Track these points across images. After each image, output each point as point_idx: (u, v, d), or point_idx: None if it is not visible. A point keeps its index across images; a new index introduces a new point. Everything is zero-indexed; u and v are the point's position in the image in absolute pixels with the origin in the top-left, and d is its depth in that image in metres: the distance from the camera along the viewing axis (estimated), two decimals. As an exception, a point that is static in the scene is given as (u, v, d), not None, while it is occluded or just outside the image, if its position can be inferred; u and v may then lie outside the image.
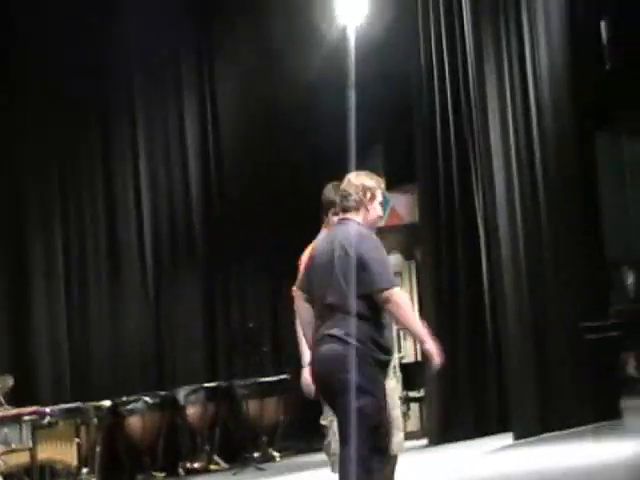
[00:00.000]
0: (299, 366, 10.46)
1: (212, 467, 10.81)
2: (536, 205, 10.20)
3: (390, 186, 11.54)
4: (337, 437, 5.34)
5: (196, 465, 10.81)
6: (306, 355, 5.50)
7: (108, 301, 11.21)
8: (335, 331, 5.04)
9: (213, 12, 11.89)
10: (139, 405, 10.42)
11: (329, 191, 5.84)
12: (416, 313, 5.16)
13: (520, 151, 10.22)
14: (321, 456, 10.67)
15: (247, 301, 12.05)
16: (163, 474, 10.66)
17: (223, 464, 10.86)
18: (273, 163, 11.99)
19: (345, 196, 5.26)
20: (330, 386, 5.15)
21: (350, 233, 5.16)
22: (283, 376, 11.18)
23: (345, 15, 11.67)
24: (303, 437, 11.49)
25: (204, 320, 11.69)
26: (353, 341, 5.00)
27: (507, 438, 9.56)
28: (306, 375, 5.60)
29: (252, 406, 10.89)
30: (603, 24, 10.86)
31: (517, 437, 9.62)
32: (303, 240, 11.84)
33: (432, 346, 5.03)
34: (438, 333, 10.13)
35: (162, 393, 10.72)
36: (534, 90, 10.27)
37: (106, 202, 11.38)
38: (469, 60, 10.50)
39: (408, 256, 11.67)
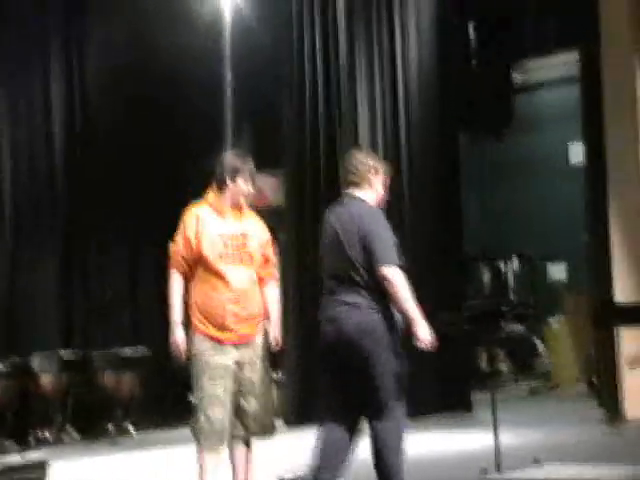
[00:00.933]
0: (161, 337, 10.31)
1: (64, 437, 10.63)
2: (400, 200, 10.32)
3: (258, 168, 11.94)
4: (208, 416, 5.55)
5: (47, 435, 10.59)
6: (176, 315, 5.69)
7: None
8: (348, 298, 5.22)
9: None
10: (-12, 371, 10.19)
11: (233, 158, 5.99)
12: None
13: (387, 147, 10.40)
14: (178, 432, 10.68)
15: (106, 269, 11.88)
16: (12, 441, 10.31)
17: (75, 435, 10.70)
18: (140, 137, 11.82)
19: (352, 171, 5.45)
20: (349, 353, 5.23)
21: (359, 208, 5.37)
22: (142, 348, 11.10)
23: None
24: (159, 412, 11.54)
25: (61, 286, 11.49)
26: (364, 307, 5.19)
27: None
28: (177, 337, 5.69)
29: (108, 378, 10.75)
30: (471, 26, 11.05)
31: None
32: (165, 212, 11.93)
33: (423, 330, 5.14)
34: (299, 317, 10.29)
35: (15, 359, 10.46)
36: (403, 87, 10.47)
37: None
38: (340, 47, 10.60)
39: (273, 238, 11.72)
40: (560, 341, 11.42)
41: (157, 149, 11.98)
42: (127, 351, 11.02)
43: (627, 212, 9.61)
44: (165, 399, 11.71)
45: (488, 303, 10.72)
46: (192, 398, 5.79)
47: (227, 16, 11.68)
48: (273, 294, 5.98)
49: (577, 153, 11.54)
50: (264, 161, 12.10)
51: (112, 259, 11.94)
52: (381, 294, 5.23)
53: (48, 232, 11.46)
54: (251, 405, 5.78)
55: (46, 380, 10.56)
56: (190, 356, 5.73)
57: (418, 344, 5.13)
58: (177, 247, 5.84)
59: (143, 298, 12.17)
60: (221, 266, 5.73)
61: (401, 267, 5.27)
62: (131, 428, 10.89)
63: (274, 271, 6.06)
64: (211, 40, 11.58)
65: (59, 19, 11.67)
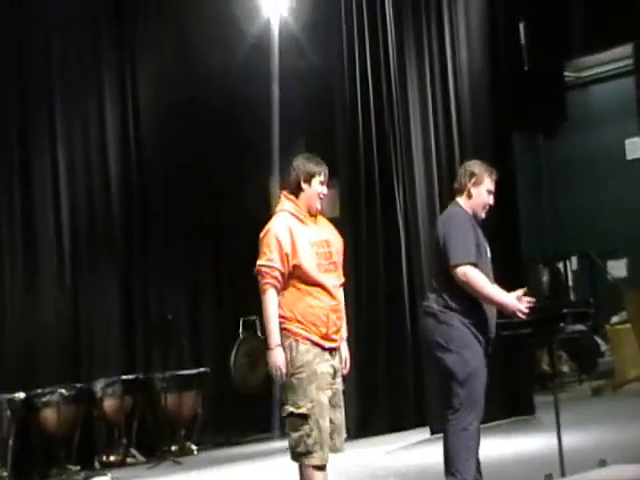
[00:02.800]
0: (220, 356, 10.10)
1: (129, 460, 10.68)
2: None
3: None
4: (320, 425, 5.42)
5: (112, 458, 10.66)
6: (276, 336, 5.51)
7: (24, 290, 10.94)
8: (427, 305, 5.74)
9: (135, 2, 11.81)
10: (54, 397, 10.22)
11: (306, 161, 5.79)
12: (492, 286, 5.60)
13: (440, 149, 10.32)
14: (239, 449, 11.08)
15: (166, 292, 11.95)
16: (78, 467, 10.43)
17: (140, 457, 10.75)
18: (196, 155, 11.98)
19: (457, 180, 5.84)
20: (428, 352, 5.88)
21: (445, 213, 5.86)
22: (202, 369, 11.20)
23: (268, 7, 11.82)
24: (221, 431, 11.64)
25: (122, 311, 11.55)
26: (437, 313, 5.64)
27: (424, 433, 9.62)
28: (279, 359, 5.51)
29: (170, 399, 10.80)
30: (522, 26, 11.03)
31: (434, 432, 9.58)
32: (223, 234, 11.97)
33: (512, 305, 5.62)
34: (356, 328, 10.27)
35: (78, 385, 10.53)
36: (454, 89, 10.36)
37: (22, 190, 11.08)
38: (391, 56, 10.59)
39: None
40: (623, 339, 11.27)
41: (212, 170, 12.13)
42: (188, 372, 11.15)
43: None
44: (226, 418, 11.80)
45: (548, 304, 10.56)
46: (295, 409, 5.52)
47: (277, 37, 11.87)
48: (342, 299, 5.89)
49: (634, 148, 11.44)
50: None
51: (171, 282, 12.01)
52: (461, 297, 5.56)
53: (107, 258, 11.53)
54: (339, 417, 5.67)
55: (109, 404, 10.65)
56: (293, 370, 5.52)
57: (516, 318, 5.65)
58: (273, 263, 5.57)
59: (202, 319, 12.32)
60: (319, 276, 5.57)
61: (474, 265, 5.54)
62: (194, 448, 11.00)
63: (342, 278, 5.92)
64: (262, 61, 11.74)
65: (112, 53, 11.75)
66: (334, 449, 5.57)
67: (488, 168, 5.81)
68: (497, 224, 10.36)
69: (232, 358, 12.06)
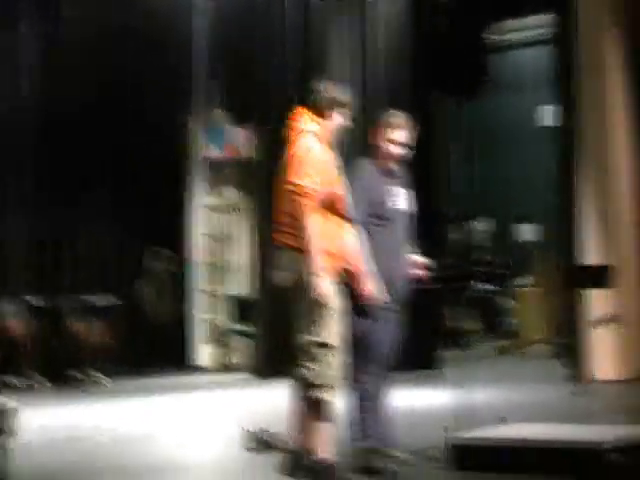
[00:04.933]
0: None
1: (34, 385, 10.69)
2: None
3: (229, 119, 12.26)
4: (340, 361, 5.21)
5: (16, 381, 10.64)
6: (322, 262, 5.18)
7: None
8: None
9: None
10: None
11: (331, 88, 5.47)
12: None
13: (358, 105, 10.30)
14: (147, 381, 11.26)
15: (77, 219, 12.06)
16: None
17: (45, 382, 10.79)
18: (108, 86, 11.88)
19: None
20: None
21: None
22: (110, 298, 11.39)
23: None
24: (128, 361, 11.79)
25: (31, 234, 11.64)
26: None
27: None
28: (327, 286, 5.18)
29: (79, 326, 10.94)
30: None
31: None
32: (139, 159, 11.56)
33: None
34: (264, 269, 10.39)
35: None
36: (373, 45, 10.63)
37: None
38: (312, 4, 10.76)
39: (244, 190, 12.25)
40: (529, 302, 11.59)
41: (131, 97, 12.12)
42: (96, 299, 11.22)
43: (597, 175, 9.87)
44: (133, 348, 11.99)
45: (458, 263, 10.86)
46: (325, 340, 5.21)
47: None
48: None
49: (548, 115, 11.64)
50: (236, 115, 12.45)
51: (84, 209, 12.04)
52: None
53: (19, 180, 11.55)
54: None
55: (14, 325, 10.68)
56: (317, 296, 5.14)
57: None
58: (316, 187, 5.19)
59: (112, 247, 12.47)
60: (345, 209, 5.32)
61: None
62: (103, 377, 11.05)
63: None
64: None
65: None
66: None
67: (391, 119, 5.73)
68: (415, 182, 10.79)
69: (140, 289, 12.43)
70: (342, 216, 5.29)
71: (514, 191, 12.91)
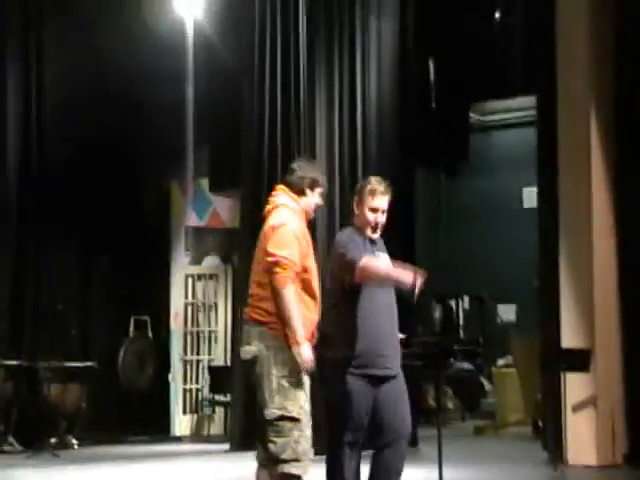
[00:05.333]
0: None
1: (6, 448, 10.61)
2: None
3: (214, 189, 12.48)
4: (306, 434, 5.23)
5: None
6: (302, 331, 5.29)
7: None
8: None
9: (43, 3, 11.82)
10: None
11: (312, 167, 5.78)
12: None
13: (344, 177, 10.61)
14: (120, 448, 11.23)
15: (58, 282, 12.01)
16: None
17: (17, 446, 10.70)
18: (100, 151, 12.00)
19: None
20: None
21: None
22: (89, 363, 11.30)
23: (182, 10, 11.81)
24: (104, 428, 11.74)
25: (12, 295, 11.55)
26: None
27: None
28: (309, 354, 5.31)
29: (54, 390, 10.81)
30: (431, 63, 11.45)
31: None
32: (118, 228, 11.92)
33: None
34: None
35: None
36: (361, 118, 10.68)
37: None
38: (301, 79, 10.74)
39: (225, 259, 12.36)
40: (507, 382, 11.55)
41: (115, 167, 12.20)
42: (74, 364, 11.17)
43: (577, 257, 9.88)
44: (110, 415, 12.03)
45: (438, 340, 10.87)
46: (286, 413, 5.27)
47: (189, 39, 11.84)
48: None
49: (531, 197, 11.65)
50: (220, 183, 12.56)
51: (63, 271, 12.08)
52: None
53: (0, 240, 11.56)
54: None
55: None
56: (284, 372, 5.27)
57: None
58: (294, 260, 5.32)
59: (92, 313, 12.48)
60: (317, 288, 5.47)
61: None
62: (74, 442, 10.97)
63: None
64: (173, 62, 11.78)
65: (17, 38, 11.73)
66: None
67: (372, 187, 5.75)
68: (393, 258, 10.78)
69: (121, 356, 12.39)
70: (312, 289, 5.42)
71: (497, 272, 12.90)
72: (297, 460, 5.19)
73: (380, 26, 10.91)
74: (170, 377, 12.91)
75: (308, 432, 5.25)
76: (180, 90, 11.98)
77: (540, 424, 10.47)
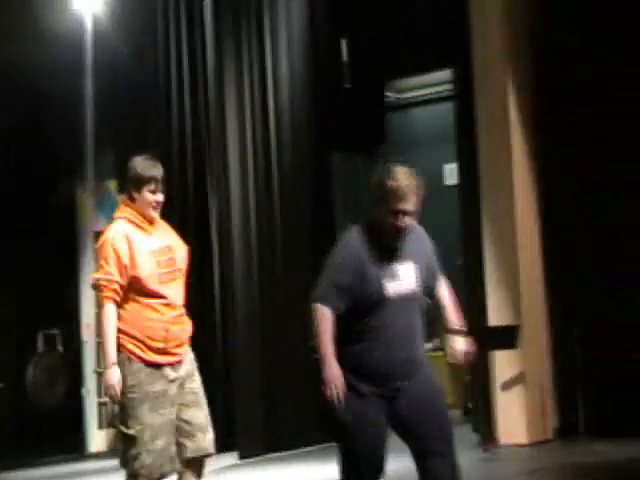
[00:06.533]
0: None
1: None
2: (272, 219, 10.79)
3: (123, 190, 12.15)
4: (149, 449, 5.41)
5: None
6: (112, 354, 5.49)
7: None
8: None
9: None
10: None
11: (136, 166, 5.71)
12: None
13: (258, 166, 10.77)
14: (37, 471, 11.28)
15: None
16: None
17: None
18: None
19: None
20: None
21: None
22: None
23: (81, 5, 11.77)
24: (17, 451, 11.81)
25: None
26: None
27: (232, 457, 9.85)
28: (115, 378, 5.47)
29: None
30: (343, 43, 11.45)
31: (242, 456, 9.96)
32: (24, 234, 11.83)
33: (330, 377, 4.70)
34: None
35: None
36: (273, 104, 10.84)
37: None
38: (208, 63, 10.84)
39: None
40: (436, 365, 11.46)
41: (15, 172, 12.16)
42: None
43: (501, 233, 10.07)
44: (22, 437, 12.15)
45: None
46: (127, 430, 5.56)
47: (89, 33, 11.79)
48: None
49: (453, 173, 11.79)
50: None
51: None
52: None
53: None
54: (197, 416, 5.68)
55: None
56: (125, 389, 5.52)
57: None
58: (111, 276, 5.52)
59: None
60: (160, 287, 5.58)
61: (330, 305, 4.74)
62: None
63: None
64: (72, 59, 11.71)
65: None
66: (199, 450, 5.61)
67: (397, 184, 4.81)
68: (313, 240, 11.08)
69: (29, 373, 12.49)
70: (152, 291, 5.51)
71: None
72: (136, 475, 5.47)
73: (289, 6, 11.04)
74: (84, 391, 12.96)
75: (154, 446, 5.47)
76: (80, 88, 12.03)
77: (470, 406, 10.59)
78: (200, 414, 5.69)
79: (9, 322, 12.66)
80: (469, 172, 10.33)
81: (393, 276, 4.74)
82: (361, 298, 4.70)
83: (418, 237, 4.94)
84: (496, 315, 9.89)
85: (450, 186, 12.04)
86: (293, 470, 9.41)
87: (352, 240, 4.83)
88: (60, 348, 12.78)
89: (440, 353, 11.49)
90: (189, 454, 5.64)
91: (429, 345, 11.86)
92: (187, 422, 5.63)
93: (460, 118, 10.55)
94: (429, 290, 5.02)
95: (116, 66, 11.66)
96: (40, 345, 12.74)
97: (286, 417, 10.48)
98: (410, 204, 4.71)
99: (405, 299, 4.76)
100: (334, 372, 4.59)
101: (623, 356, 9.89)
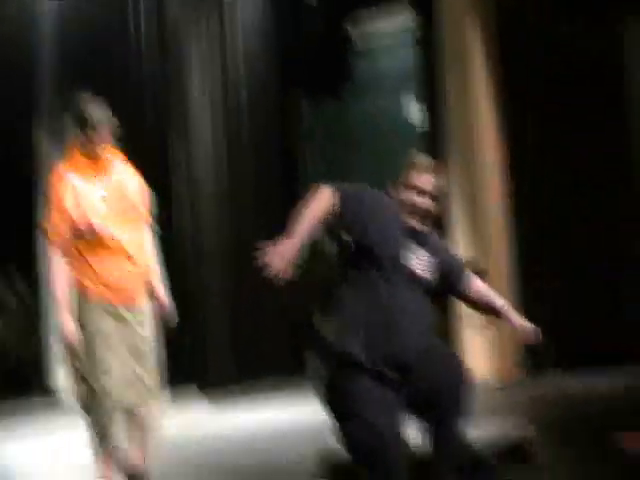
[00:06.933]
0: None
1: None
2: (245, 162, 11.13)
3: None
4: (92, 387, 5.49)
5: None
6: (63, 301, 5.57)
7: None
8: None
9: None
10: None
11: (77, 106, 5.59)
12: None
13: (229, 114, 11.07)
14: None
15: None
16: None
17: None
18: None
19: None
20: None
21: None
22: None
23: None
24: None
25: None
26: None
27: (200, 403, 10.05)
28: (69, 327, 5.57)
29: None
30: None
31: (212, 400, 10.21)
32: None
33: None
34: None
35: None
36: (236, 53, 11.13)
37: None
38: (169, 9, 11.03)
39: None
40: None
41: None
42: None
43: (465, 170, 10.35)
44: None
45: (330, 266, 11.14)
46: (75, 366, 5.68)
47: None
48: (149, 241, 5.88)
49: (418, 114, 12.09)
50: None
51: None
52: None
53: None
54: (144, 369, 5.73)
55: None
56: (79, 326, 5.59)
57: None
58: (55, 222, 5.59)
59: None
60: (110, 229, 5.57)
61: None
62: None
63: (148, 218, 5.91)
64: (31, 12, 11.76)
65: None
66: (138, 401, 5.64)
67: (414, 160, 4.77)
68: (284, 179, 11.68)
69: None
70: (102, 243, 5.54)
71: (381, 188, 13.36)
72: (83, 410, 5.64)
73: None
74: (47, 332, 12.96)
75: (104, 381, 5.53)
76: (40, 44, 12.03)
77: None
78: (146, 365, 5.73)
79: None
80: (434, 112, 10.71)
81: (411, 251, 4.51)
82: (369, 255, 4.40)
83: (436, 240, 4.73)
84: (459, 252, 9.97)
85: (412, 124, 12.25)
86: (263, 415, 9.49)
87: (373, 193, 4.63)
88: (21, 288, 12.86)
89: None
90: (129, 402, 5.69)
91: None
92: (133, 373, 5.71)
93: (424, 58, 10.99)
94: (450, 289, 4.78)
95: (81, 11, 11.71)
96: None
97: (254, 348, 10.80)
98: (427, 182, 4.56)
99: (416, 282, 4.50)
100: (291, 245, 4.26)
101: (581, 299, 10.23)
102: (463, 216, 10.29)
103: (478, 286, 4.83)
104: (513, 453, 5.93)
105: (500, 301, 4.78)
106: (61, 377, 12.43)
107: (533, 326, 4.69)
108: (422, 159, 4.68)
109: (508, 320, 4.70)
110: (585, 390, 9.06)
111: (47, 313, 12.82)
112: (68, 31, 11.83)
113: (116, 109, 5.72)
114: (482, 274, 9.56)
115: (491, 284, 9.46)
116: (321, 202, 4.37)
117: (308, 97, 12.44)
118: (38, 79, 12.23)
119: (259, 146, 11.24)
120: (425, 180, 4.53)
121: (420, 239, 4.52)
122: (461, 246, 10.11)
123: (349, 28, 12.26)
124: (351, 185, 4.57)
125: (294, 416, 8.67)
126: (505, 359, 10.11)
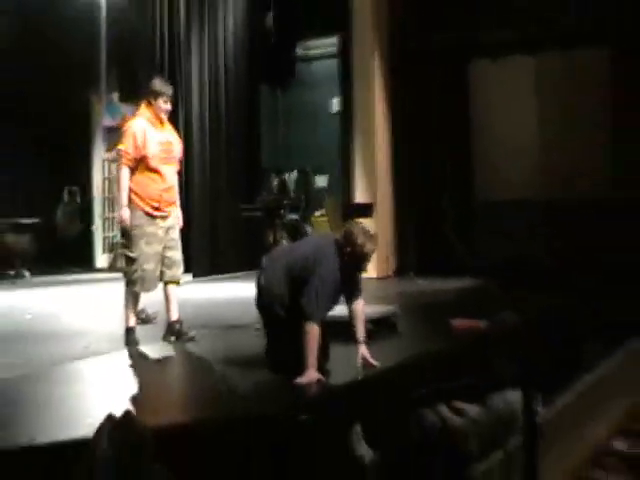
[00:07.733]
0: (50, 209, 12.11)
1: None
2: (219, 132, 12.98)
3: (122, 99, 14.10)
4: (144, 268, 6.41)
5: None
6: (124, 199, 6.47)
7: None
8: None
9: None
10: None
11: (154, 84, 6.68)
12: None
13: (217, 89, 12.84)
14: (61, 277, 12.62)
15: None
16: None
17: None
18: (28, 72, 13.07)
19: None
20: None
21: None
22: (35, 219, 12.98)
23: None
24: (47, 264, 13.32)
25: None
26: None
27: (187, 277, 10.62)
28: (124, 214, 6.47)
29: (10, 238, 12.67)
30: (270, 15, 13.89)
31: (195, 276, 12.03)
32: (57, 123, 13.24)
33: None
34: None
35: None
36: (223, 54, 13.02)
37: None
38: (182, 23, 12.64)
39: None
40: (321, 227, 13.16)
41: (47, 86, 13.35)
42: (24, 220, 12.97)
43: (365, 142, 12.55)
44: (51, 254, 13.64)
45: (274, 198, 12.47)
46: (130, 254, 6.52)
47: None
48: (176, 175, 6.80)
49: (335, 105, 13.97)
50: (126, 95, 13.59)
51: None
52: None
53: None
54: (173, 255, 6.66)
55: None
56: (131, 226, 6.49)
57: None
58: (127, 149, 6.48)
59: (37, 184, 13.91)
60: (159, 165, 6.56)
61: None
62: (26, 273, 12.65)
63: (179, 162, 6.82)
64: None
65: None
66: (174, 277, 6.65)
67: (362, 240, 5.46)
68: (245, 146, 13.68)
69: (58, 214, 14.13)
70: (151, 167, 6.48)
71: (315, 154, 14.31)
72: (133, 283, 6.53)
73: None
74: (94, 227, 14.85)
75: (147, 267, 6.49)
76: (96, 27, 13.48)
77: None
78: (177, 254, 6.68)
79: (45, 179, 14.09)
80: (347, 103, 12.81)
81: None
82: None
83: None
84: (360, 195, 12.53)
85: (335, 113, 14.23)
86: (231, 286, 10.93)
87: (332, 261, 5.27)
88: (78, 199, 14.52)
89: (325, 218, 13.41)
90: (167, 279, 6.66)
91: (317, 213, 13.50)
92: (168, 258, 6.63)
93: (343, 67, 13.08)
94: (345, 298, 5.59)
95: (124, 12, 13.35)
96: (65, 196, 14.50)
97: (230, 246, 12.42)
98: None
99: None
100: (312, 375, 5.07)
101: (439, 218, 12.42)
102: (363, 169, 12.39)
103: (357, 308, 5.49)
104: (384, 323, 6.94)
105: (361, 333, 5.47)
106: (101, 258, 14.53)
107: (375, 363, 5.41)
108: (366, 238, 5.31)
109: (358, 349, 5.44)
110: (434, 289, 10.63)
111: (97, 220, 14.54)
112: (116, 25, 13.34)
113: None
114: (371, 207, 12.06)
115: (377, 211, 11.96)
116: (315, 338, 5.16)
117: (267, 87, 14.11)
118: (96, 57, 13.73)
119: (232, 123, 12.79)
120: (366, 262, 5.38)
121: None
122: (359, 188, 12.24)
123: (295, 43, 14.19)
124: (322, 274, 5.19)
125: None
126: (383, 264, 12.16)
